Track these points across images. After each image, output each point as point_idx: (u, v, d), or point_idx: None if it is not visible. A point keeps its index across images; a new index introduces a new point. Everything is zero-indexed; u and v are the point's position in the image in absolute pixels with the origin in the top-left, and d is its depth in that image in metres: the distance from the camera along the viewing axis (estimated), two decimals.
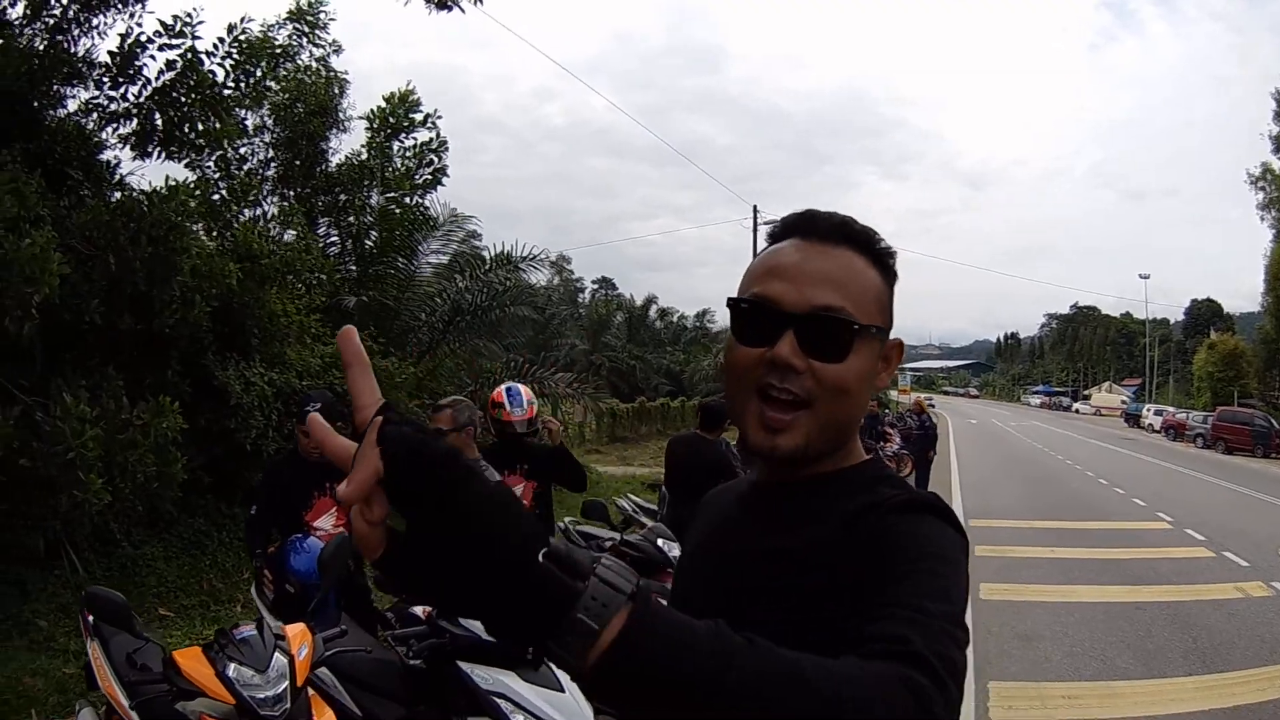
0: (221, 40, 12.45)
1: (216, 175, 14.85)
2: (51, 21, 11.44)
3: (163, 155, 12.47)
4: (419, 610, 6.12)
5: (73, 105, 11.95)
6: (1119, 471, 36.75)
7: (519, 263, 20.57)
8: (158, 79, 11.93)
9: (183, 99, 12.09)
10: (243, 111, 15.96)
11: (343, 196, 18.89)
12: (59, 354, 10.46)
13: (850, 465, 1.94)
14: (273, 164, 18.51)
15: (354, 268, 19.27)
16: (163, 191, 10.58)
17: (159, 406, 9.74)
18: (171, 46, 11.91)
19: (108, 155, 12.13)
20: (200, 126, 12.47)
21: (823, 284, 1.82)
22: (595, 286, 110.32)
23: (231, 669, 4.80)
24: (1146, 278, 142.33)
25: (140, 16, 11.86)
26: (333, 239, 19.49)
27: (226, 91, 12.60)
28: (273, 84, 16.30)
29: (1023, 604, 13.74)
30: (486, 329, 20.38)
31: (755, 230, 47.07)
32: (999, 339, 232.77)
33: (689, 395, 59.15)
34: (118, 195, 11.54)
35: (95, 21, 11.76)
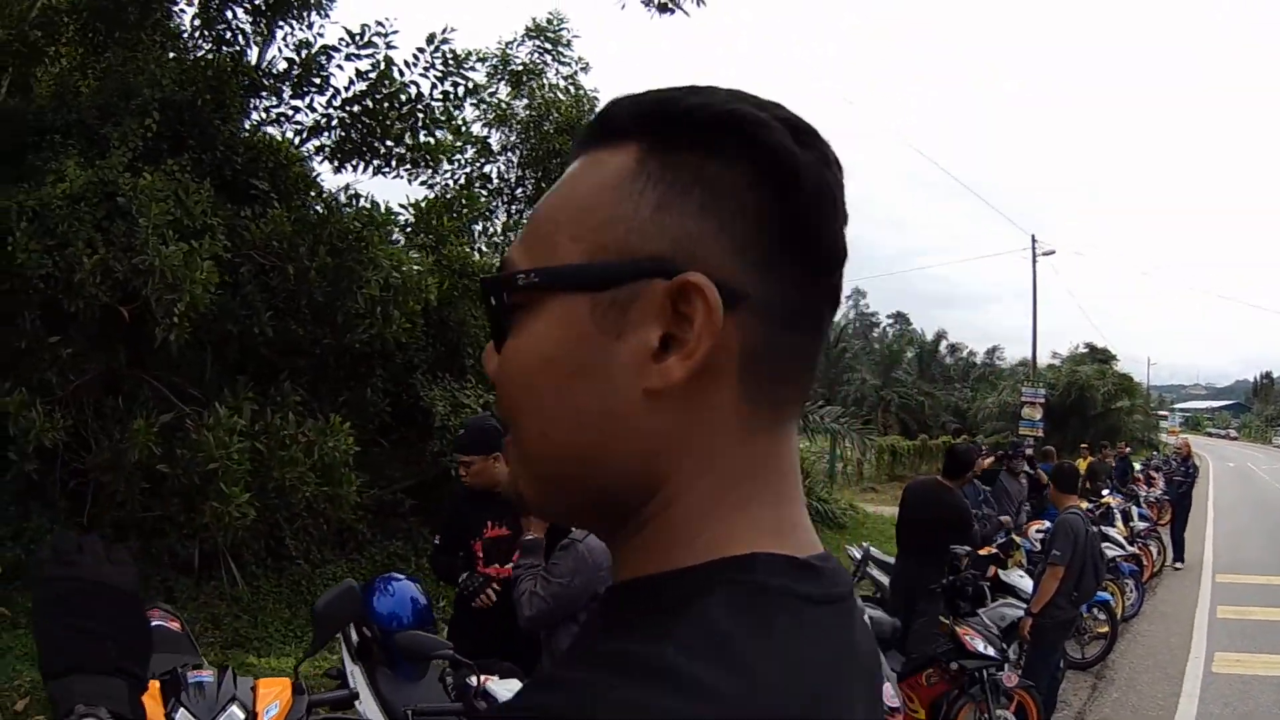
0: (421, 50, 11.73)
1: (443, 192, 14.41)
2: (226, 32, 11.03)
3: (363, 168, 11.78)
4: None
5: (257, 117, 11.58)
6: None
7: None
8: (347, 89, 11.36)
9: (377, 110, 11.41)
10: (486, 130, 17.04)
11: None
12: (230, 366, 10.20)
13: (657, 573, 0.91)
14: (523, 182, 17.89)
15: None
16: (342, 201, 10.28)
17: (327, 425, 9.33)
18: (359, 56, 11.34)
19: (307, 169, 11.73)
20: (408, 140, 11.75)
21: (524, 232, 1.00)
22: (890, 321, 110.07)
23: (180, 715, 4.11)
24: None
25: (322, 27, 11.46)
26: None
27: (433, 104, 11.88)
28: (517, 103, 16.94)
29: (1251, 680, 12.69)
30: None
31: (1035, 261, 44.80)
32: (1255, 378, 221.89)
33: (973, 434, 57.65)
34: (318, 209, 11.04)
35: (274, 32, 11.28)
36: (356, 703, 5.18)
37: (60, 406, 8.98)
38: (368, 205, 10.75)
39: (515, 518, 6.14)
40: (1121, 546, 16.17)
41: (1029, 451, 22.96)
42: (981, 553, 11.26)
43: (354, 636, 6.11)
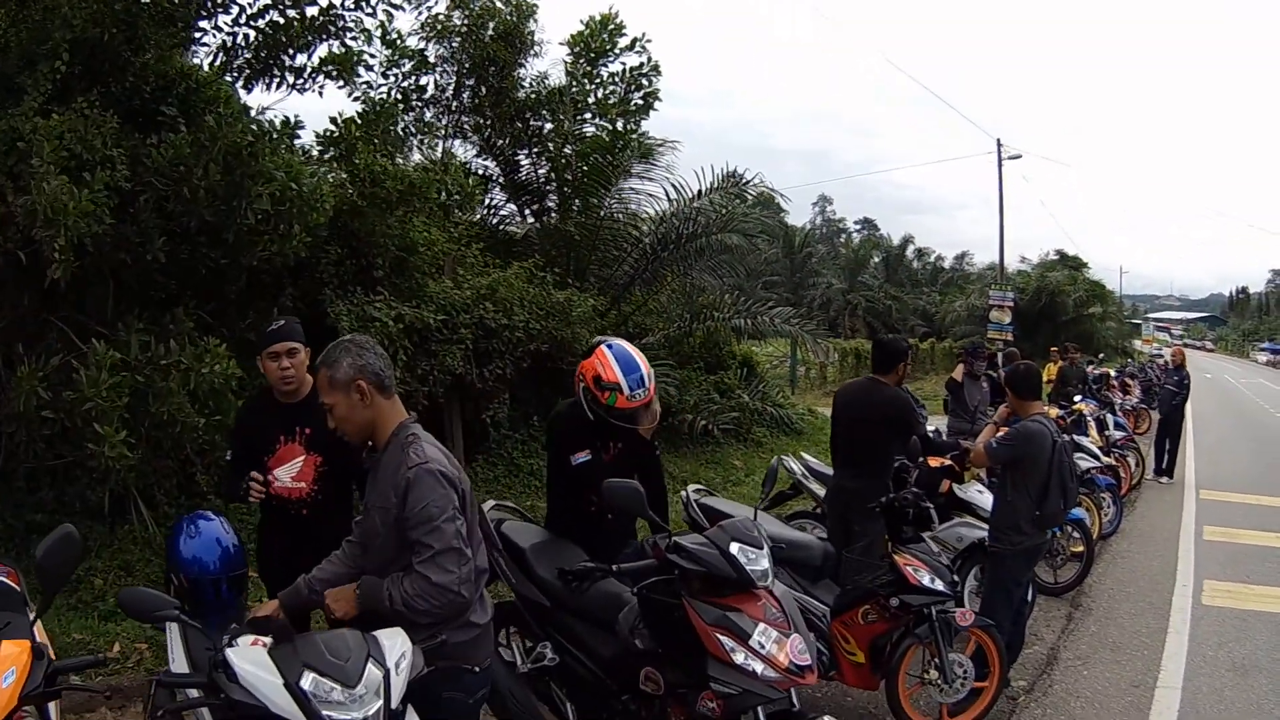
0: None
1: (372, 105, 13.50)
2: None
3: (275, 86, 11.61)
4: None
5: (165, 45, 10.59)
6: None
7: (730, 188, 18.86)
8: (251, 4, 10.94)
9: (286, 25, 11.09)
10: (423, 43, 17.07)
11: (535, 123, 17.93)
12: (133, 299, 9.71)
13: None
14: (460, 92, 17.62)
15: (554, 200, 18.41)
16: (228, 116, 9.47)
17: (201, 350, 8.81)
18: None
19: (220, 92, 10.86)
20: (320, 54, 11.60)
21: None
22: (857, 227, 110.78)
23: None
24: None
25: None
26: (526, 166, 18.54)
27: (344, 13, 11.43)
28: (456, 13, 16.85)
29: (1247, 615, 11.65)
30: (701, 261, 18.63)
31: (1000, 165, 44.66)
32: (1230, 293, 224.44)
33: (941, 337, 57.46)
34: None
35: None
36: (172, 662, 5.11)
37: None
38: (255, 118, 10.18)
39: (318, 434, 5.76)
40: (1096, 458, 15.49)
41: (999, 355, 22.38)
42: (932, 464, 10.76)
43: (173, 584, 5.73)
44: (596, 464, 6.48)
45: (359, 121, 11.88)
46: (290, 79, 11.53)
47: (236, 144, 9.26)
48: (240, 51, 11.14)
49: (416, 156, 17.10)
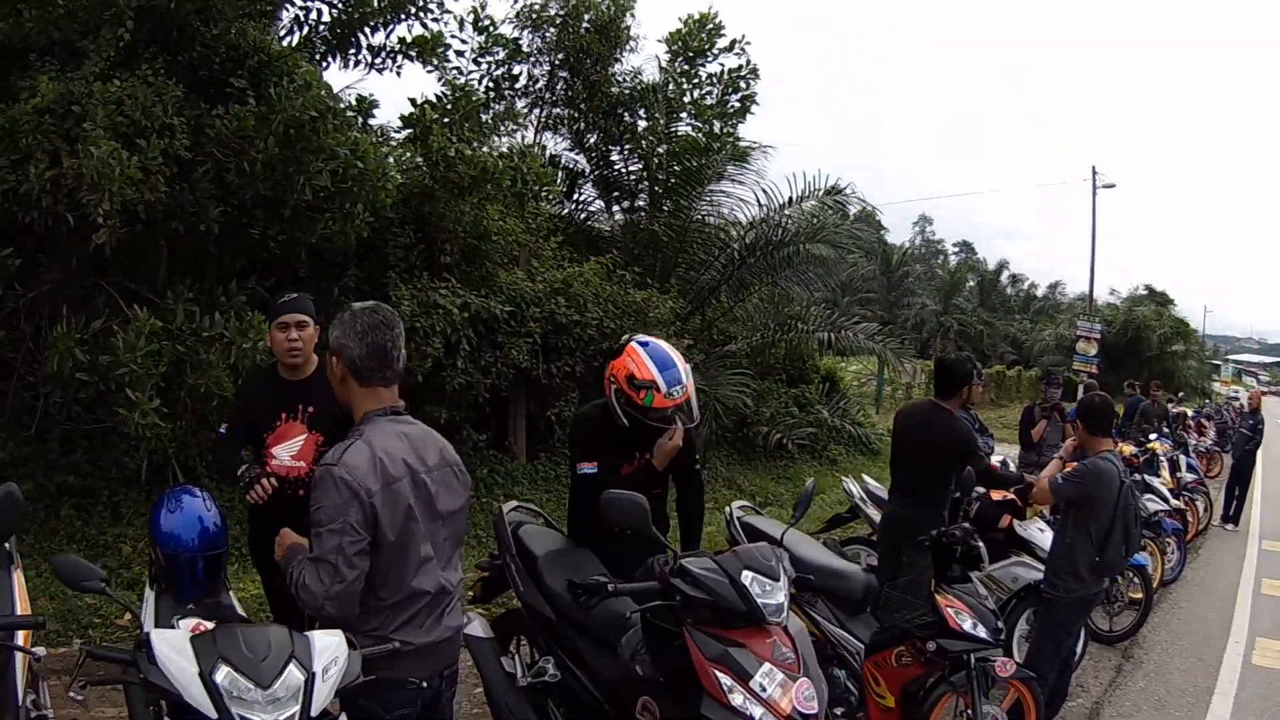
0: None
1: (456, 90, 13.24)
2: None
3: (351, 64, 11.76)
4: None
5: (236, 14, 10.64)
6: None
7: (823, 198, 17.88)
8: None
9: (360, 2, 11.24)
10: (517, 31, 16.82)
11: (629, 120, 17.67)
12: (188, 267, 9.82)
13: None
14: (553, 83, 17.42)
15: (644, 199, 17.97)
16: (289, 91, 9.26)
17: (246, 325, 8.71)
18: None
19: (292, 67, 10.56)
20: (399, 34, 11.66)
21: None
22: (955, 250, 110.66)
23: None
24: None
25: None
26: (618, 163, 18.19)
27: None
28: (552, 2, 16.66)
29: None
30: (790, 271, 17.80)
31: (1095, 191, 44.36)
32: None
33: (1028, 365, 57.00)
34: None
35: None
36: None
37: (18, 318, 9.04)
38: (320, 94, 9.74)
39: (321, 413, 5.72)
40: (1165, 500, 14.27)
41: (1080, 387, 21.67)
42: (994, 497, 10.03)
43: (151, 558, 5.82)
44: (603, 478, 5.98)
45: (436, 104, 11.73)
46: (368, 58, 11.56)
47: (298, 118, 9.12)
48: (316, 27, 11.15)
49: (505, 146, 16.48)
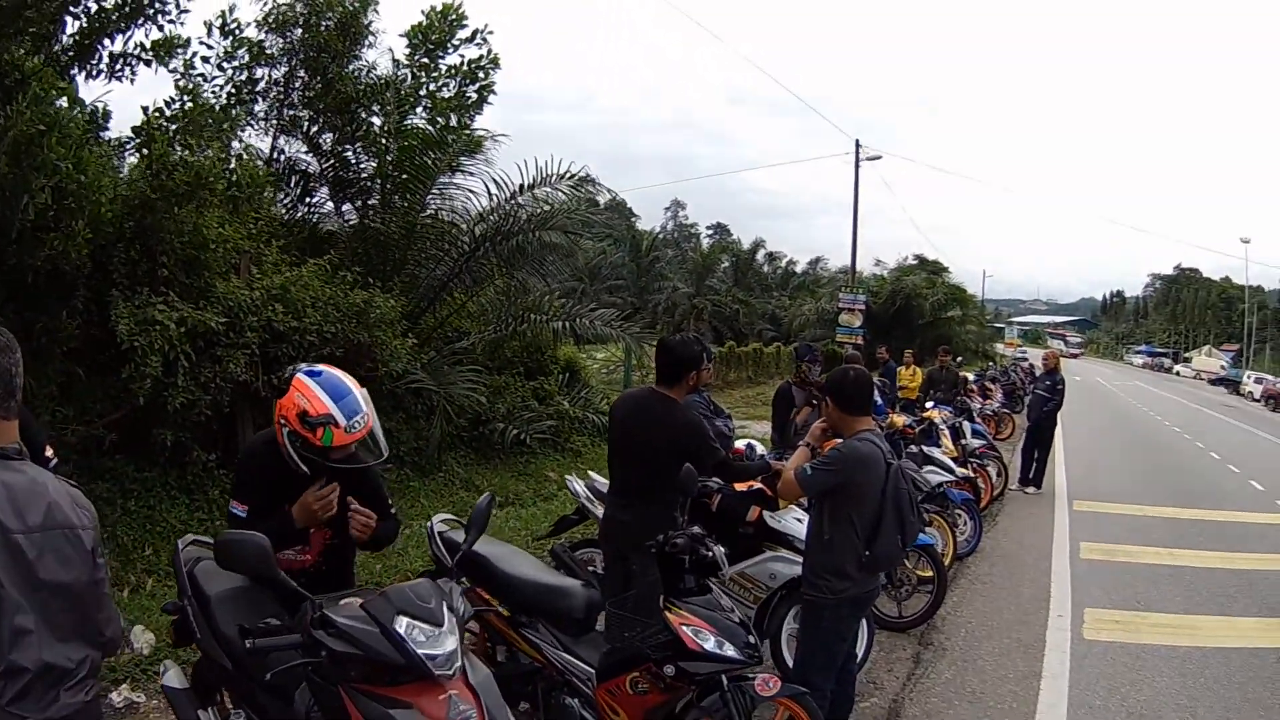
0: None
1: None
2: None
3: (93, 74, 11.91)
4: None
5: None
6: (1226, 443, 33.88)
7: (550, 183, 17.97)
8: None
9: (99, 11, 11.27)
10: (262, 33, 16.64)
11: (365, 117, 17.64)
12: None
13: None
14: (292, 82, 17.42)
15: (377, 197, 17.79)
16: (21, 106, 9.13)
17: None
18: None
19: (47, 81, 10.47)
20: (137, 39, 11.78)
21: None
22: (710, 232, 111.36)
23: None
24: (1247, 242, 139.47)
25: None
26: (352, 162, 18.09)
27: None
28: (298, 3, 16.60)
29: (1141, 651, 10.02)
30: (524, 262, 18.14)
31: (857, 166, 45.34)
32: (1105, 297, 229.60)
33: (788, 341, 57.70)
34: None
35: None
36: None
37: None
38: (49, 105, 9.59)
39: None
40: (950, 470, 14.03)
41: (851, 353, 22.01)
42: (739, 488, 9.16)
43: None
44: (252, 524, 5.15)
45: (163, 110, 11.68)
46: (109, 67, 11.70)
47: (25, 132, 8.96)
48: (59, 38, 11.08)
49: (242, 151, 16.68)
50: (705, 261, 72.12)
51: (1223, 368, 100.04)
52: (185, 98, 12.35)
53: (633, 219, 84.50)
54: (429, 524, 7.48)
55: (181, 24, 12.42)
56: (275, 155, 17.52)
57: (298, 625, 4.37)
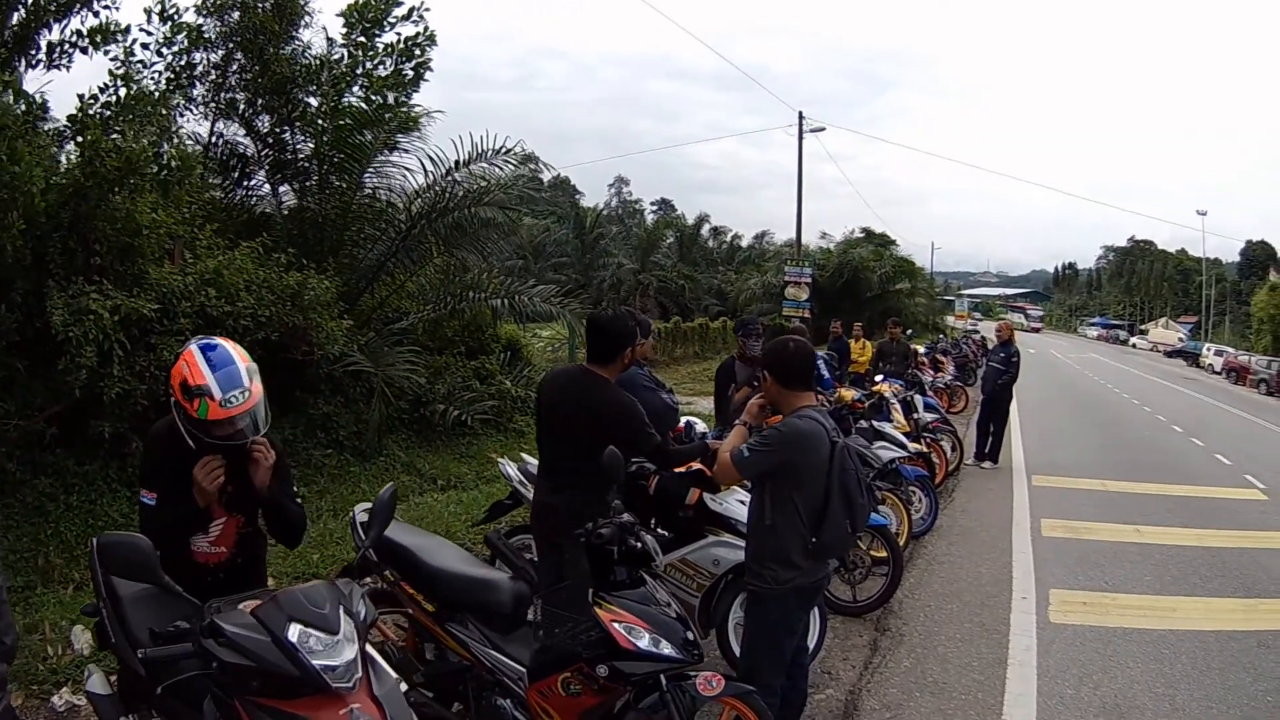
0: None
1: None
2: None
3: (33, 64, 11.97)
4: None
5: None
6: (1189, 416, 33.98)
7: (487, 158, 17.80)
8: None
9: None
10: (200, 17, 16.59)
11: (302, 98, 17.55)
12: None
13: None
14: (227, 65, 17.34)
15: (314, 179, 17.64)
16: None
17: None
18: None
19: None
20: (73, 29, 11.87)
21: None
22: (654, 208, 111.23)
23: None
24: (1204, 214, 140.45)
25: None
26: (289, 143, 18.01)
27: None
28: None
29: (1112, 635, 9.72)
30: (463, 240, 18.01)
31: (801, 138, 45.39)
32: (1057, 269, 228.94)
33: (734, 315, 57.67)
34: None
35: None
36: None
37: None
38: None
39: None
40: (902, 445, 13.63)
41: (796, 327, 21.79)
42: (677, 470, 8.32)
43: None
44: (160, 511, 5.16)
45: (97, 95, 11.65)
46: (46, 56, 11.75)
47: None
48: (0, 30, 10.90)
49: (180, 137, 16.55)
50: (650, 238, 71.64)
51: (1180, 340, 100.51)
52: (119, 83, 12.24)
53: (576, 196, 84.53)
54: (351, 513, 7.20)
55: (117, 9, 12.54)
56: (214, 139, 17.50)
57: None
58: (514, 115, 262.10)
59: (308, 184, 17.65)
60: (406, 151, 17.50)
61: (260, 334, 12.47)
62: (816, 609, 7.68)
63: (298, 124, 17.48)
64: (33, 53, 11.71)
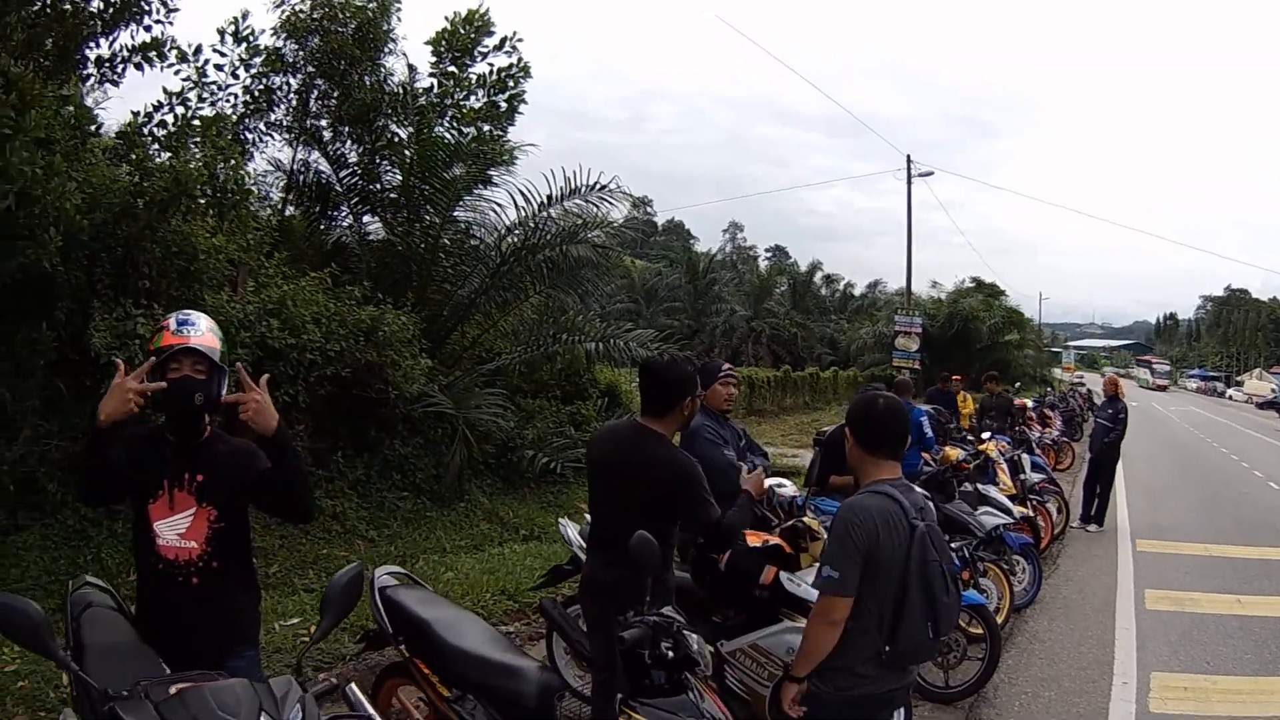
0: None
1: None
2: None
3: (82, 80, 11.31)
4: None
5: None
6: None
7: (582, 194, 16.92)
8: None
9: (75, 10, 10.94)
10: (278, 40, 16.18)
11: (392, 127, 17.13)
12: None
13: None
14: (308, 91, 16.88)
15: (397, 211, 17.28)
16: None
17: None
18: None
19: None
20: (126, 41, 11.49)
21: None
22: (768, 255, 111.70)
23: None
24: None
25: None
26: (377, 173, 17.48)
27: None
28: (305, 7, 16.24)
29: None
30: (558, 278, 17.24)
31: (910, 182, 44.77)
32: (1158, 320, 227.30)
33: (846, 365, 56.81)
34: None
35: None
36: None
37: None
38: (11, 110, 9.01)
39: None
40: (1008, 511, 12.23)
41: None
42: (752, 542, 7.15)
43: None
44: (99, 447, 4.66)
45: (150, 116, 11.55)
46: (96, 71, 11.38)
47: None
48: (39, 45, 10.65)
49: (259, 163, 16.58)
50: (763, 284, 71.29)
51: (1273, 391, 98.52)
52: (175, 101, 11.99)
53: (691, 240, 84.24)
54: (371, 576, 6.18)
55: (170, 23, 12.01)
56: (296, 167, 17.19)
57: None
58: (624, 156, 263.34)
59: (394, 216, 17.21)
60: (497, 186, 16.95)
61: (329, 369, 12.07)
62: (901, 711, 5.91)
63: (384, 153, 17.03)
64: (80, 69, 11.25)
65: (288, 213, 17.12)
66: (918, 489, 5.17)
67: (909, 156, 46.92)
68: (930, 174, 48.08)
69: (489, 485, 15.61)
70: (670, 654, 4.85)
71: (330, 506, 12.52)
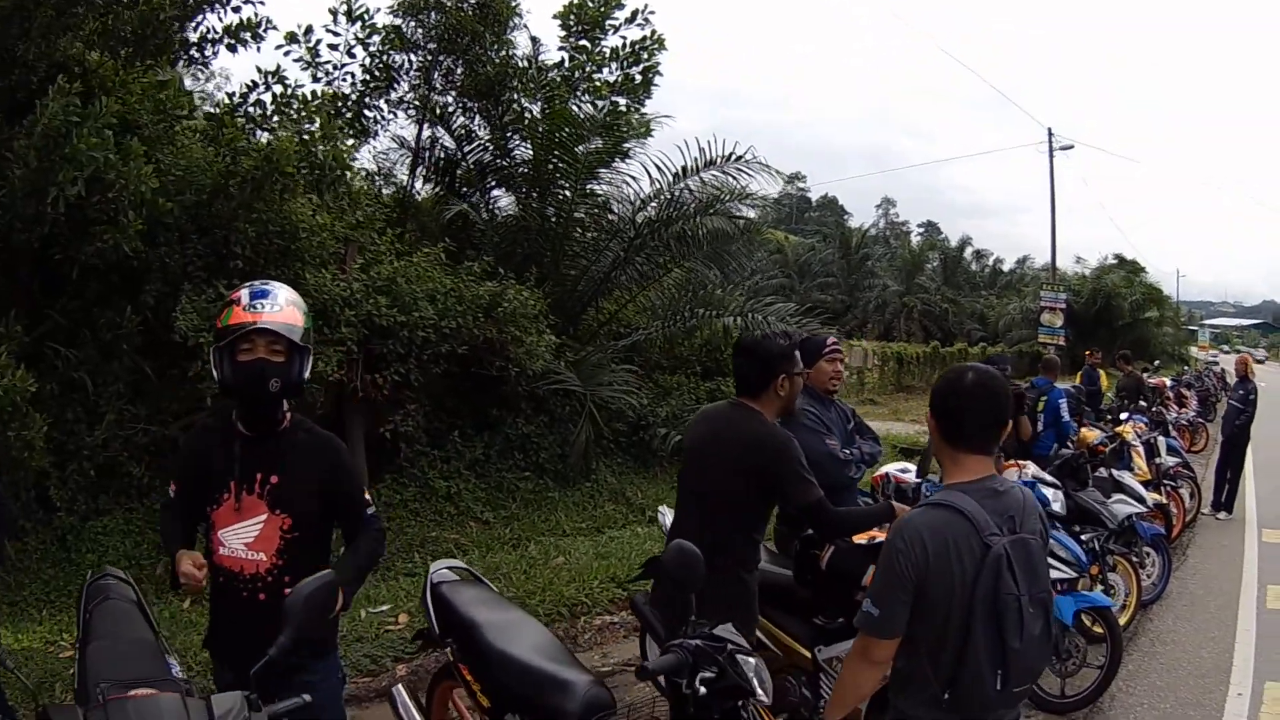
0: None
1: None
2: None
3: (169, 62, 11.19)
4: None
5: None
6: None
7: (719, 165, 16.32)
8: None
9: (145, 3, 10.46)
10: (395, 18, 15.83)
11: (520, 102, 16.72)
12: None
13: None
14: (431, 70, 16.52)
15: (534, 187, 16.82)
16: (51, 99, 8.49)
17: None
18: None
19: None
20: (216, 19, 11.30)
21: None
22: (919, 230, 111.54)
23: None
24: None
25: None
26: (509, 148, 17.23)
27: None
28: None
29: None
30: (695, 251, 16.77)
31: (1051, 156, 43.79)
32: None
33: (995, 341, 55.98)
34: None
35: None
36: None
37: None
38: (76, 96, 8.71)
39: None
40: (1141, 500, 11.13)
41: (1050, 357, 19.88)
42: (857, 539, 6.15)
43: None
44: (177, 505, 4.54)
45: (246, 96, 11.48)
46: (184, 54, 11.32)
47: (53, 125, 8.30)
48: (119, 30, 10.35)
49: (384, 141, 16.73)
50: (914, 259, 71.30)
51: None
52: (270, 80, 11.66)
53: (845, 216, 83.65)
54: (429, 572, 5.79)
55: (262, 3, 11.56)
56: (422, 144, 17.00)
57: None
58: (773, 133, 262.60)
59: (529, 193, 16.89)
60: (631, 159, 16.66)
61: (444, 346, 11.77)
62: None
63: (513, 128, 16.71)
64: (169, 51, 11.01)
65: (415, 187, 17.10)
66: (1048, 476, 4.43)
67: (1050, 129, 45.96)
68: (1070, 147, 47.03)
69: (618, 464, 15.23)
70: (709, 684, 4.00)
71: (444, 488, 12.34)
